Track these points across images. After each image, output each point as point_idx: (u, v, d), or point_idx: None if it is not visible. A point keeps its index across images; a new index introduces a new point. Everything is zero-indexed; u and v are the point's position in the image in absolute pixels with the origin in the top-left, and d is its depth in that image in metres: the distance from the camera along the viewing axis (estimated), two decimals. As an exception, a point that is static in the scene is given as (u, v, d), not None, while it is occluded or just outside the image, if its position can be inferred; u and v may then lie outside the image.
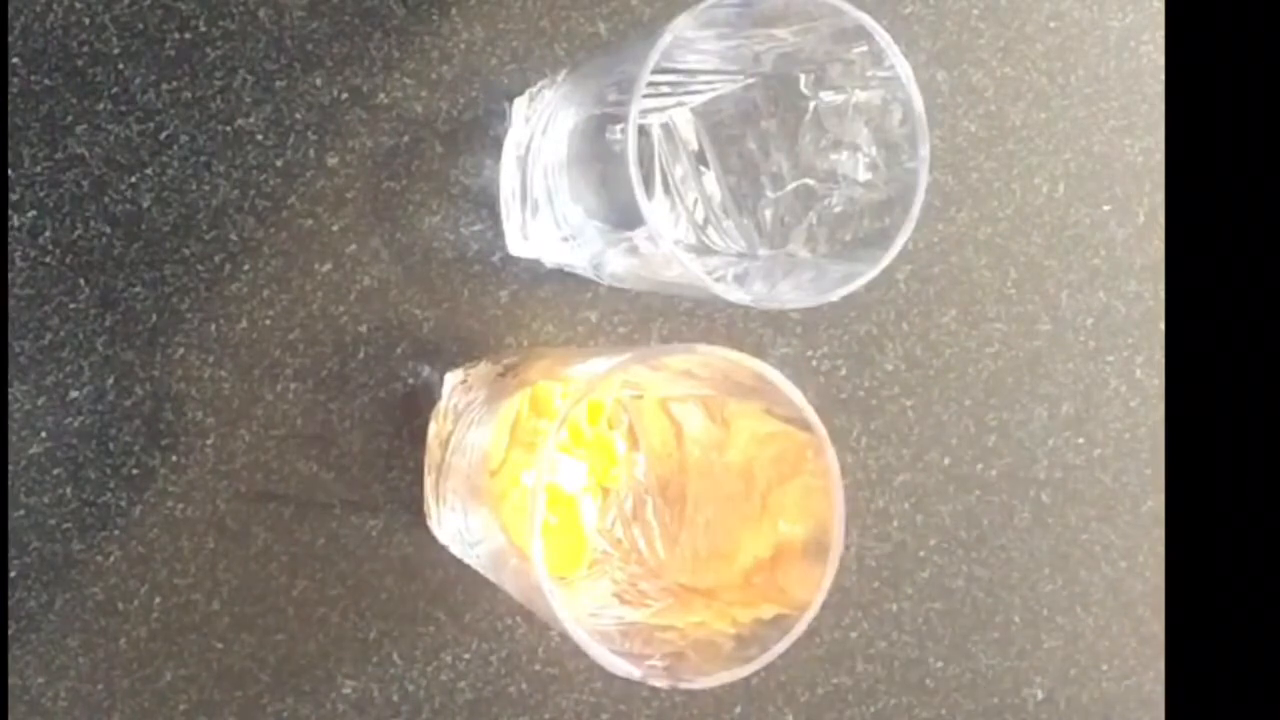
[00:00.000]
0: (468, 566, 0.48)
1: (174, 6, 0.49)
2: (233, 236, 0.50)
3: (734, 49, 0.46)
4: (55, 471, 0.49)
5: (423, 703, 0.51)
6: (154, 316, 0.49)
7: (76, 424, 0.49)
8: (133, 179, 0.49)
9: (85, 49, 0.49)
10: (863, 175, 0.45)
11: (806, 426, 0.40)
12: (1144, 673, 0.55)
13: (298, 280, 0.50)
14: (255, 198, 0.50)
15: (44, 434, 0.49)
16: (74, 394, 0.49)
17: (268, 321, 0.50)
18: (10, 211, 0.48)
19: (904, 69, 0.42)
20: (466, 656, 0.51)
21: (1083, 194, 0.55)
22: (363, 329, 0.50)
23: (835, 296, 0.43)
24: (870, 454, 0.54)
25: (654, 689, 0.51)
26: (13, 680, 0.48)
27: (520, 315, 0.51)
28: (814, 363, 0.53)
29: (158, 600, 0.49)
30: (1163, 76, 0.55)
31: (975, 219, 0.54)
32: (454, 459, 0.47)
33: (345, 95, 0.50)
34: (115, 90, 0.49)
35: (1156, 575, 0.55)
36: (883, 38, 0.42)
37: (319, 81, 0.50)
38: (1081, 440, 0.55)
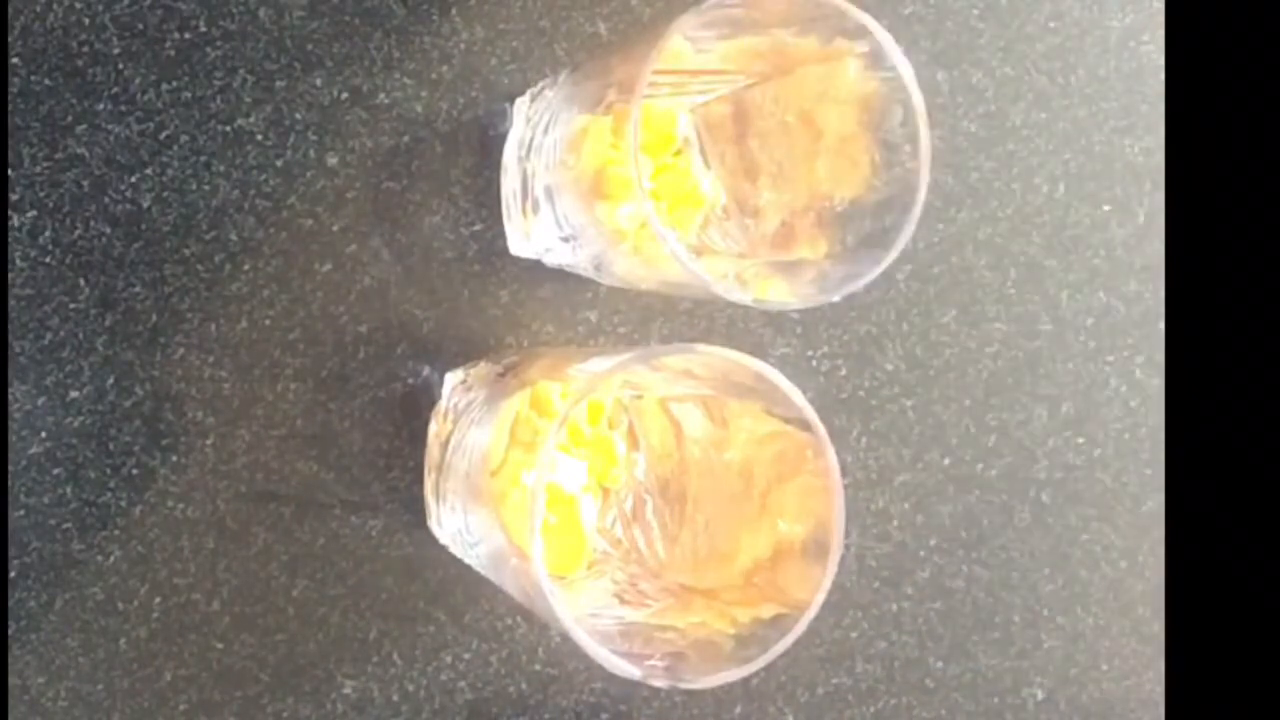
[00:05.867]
0: (468, 566, 0.48)
1: (174, 6, 0.49)
2: (233, 236, 0.50)
3: (734, 49, 0.46)
4: (55, 471, 0.49)
5: (423, 703, 0.51)
6: (154, 316, 0.49)
7: (76, 424, 0.49)
8: (133, 179, 0.49)
9: (85, 49, 0.49)
10: (863, 175, 0.44)
11: (806, 426, 0.40)
12: (1144, 673, 0.55)
13: (298, 280, 0.50)
14: (255, 198, 0.50)
15: (44, 434, 0.49)
16: (74, 394, 0.49)
17: (268, 321, 0.50)
18: (10, 211, 0.48)
19: (904, 69, 0.42)
20: (466, 656, 0.51)
21: (1083, 194, 0.55)
22: (363, 329, 0.50)
23: (835, 296, 0.43)
24: (870, 454, 0.54)
25: (654, 689, 0.51)
26: (13, 680, 0.48)
27: (520, 315, 0.51)
28: (814, 363, 0.53)
29: (158, 600, 0.49)
30: (1163, 76, 0.55)
31: (975, 219, 0.54)
32: (454, 459, 0.47)
33: (345, 95, 0.50)
34: (115, 90, 0.49)
35: (1156, 575, 0.55)
36: (883, 38, 0.42)
37: (319, 81, 0.50)
38: (1081, 440, 0.55)
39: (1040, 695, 0.55)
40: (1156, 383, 0.55)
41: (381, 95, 0.51)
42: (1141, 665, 0.55)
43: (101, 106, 0.49)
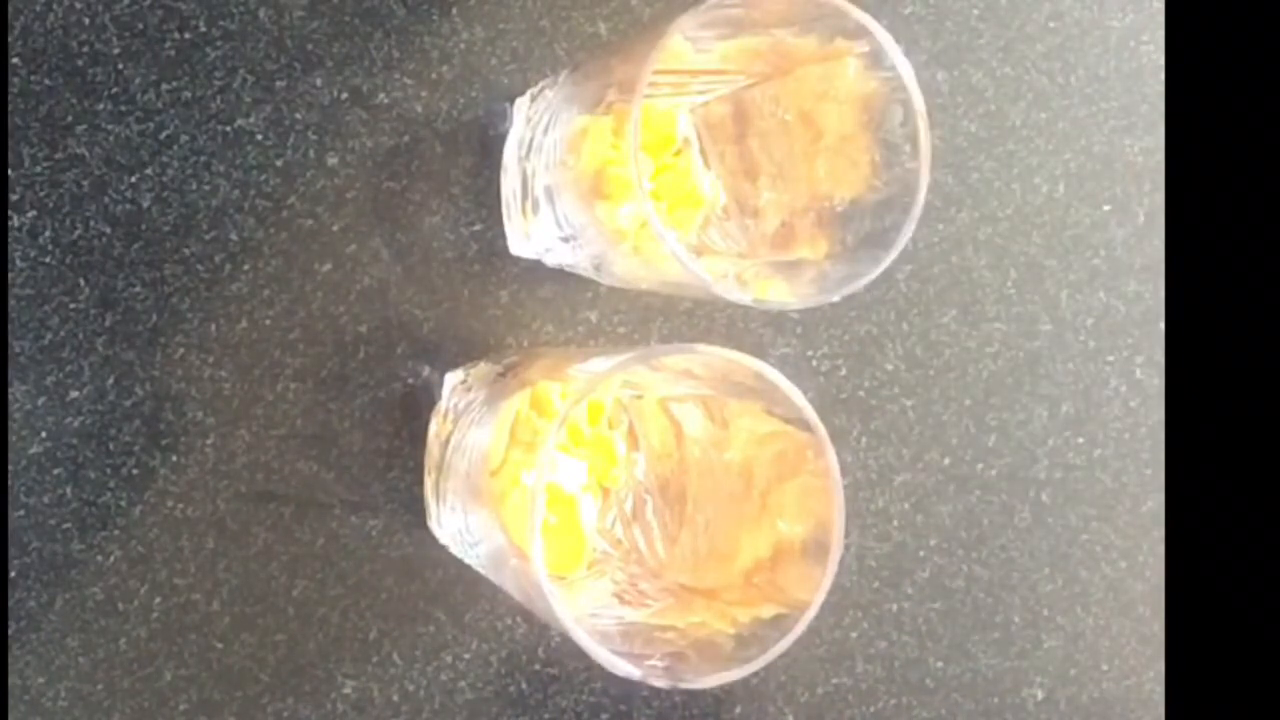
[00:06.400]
0: (468, 566, 0.48)
1: (174, 6, 0.49)
2: (233, 236, 0.50)
3: (734, 49, 0.46)
4: (55, 471, 0.49)
5: (423, 703, 0.51)
6: (154, 316, 0.49)
7: (76, 424, 0.49)
8: (133, 179, 0.49)
9: (85, 49, 0.49)
10: (863, 175, 0.45)
11: (806, 426, 0.40)
12: (1144, 673, 0.55)
13: (298, 280, 0.50)
14: (255, 198, 0.50)
15: (44, 434, 0.49)
16: (74, 394, 0.49)
17: (268, 321, 0.50)
18: (10, 211, 0.48)
19: (904, 69, 0.42)
20: (466, 656, 0.51)
21: (1083, 194, 0.55)
22: (363, 329, 0.51)
23: (836, 296, 0.43)
24: (870, 454, 0.54)
25: (654, 689, 0.51)
26: (13, 680, 0.48)
27: (520, 315, 0.51)
28: (814, 363, 0.53)
29: (158, 600, 0.49)
30: (1163, 76, 0.55)
31: (975, 219, 0.54)
32: (454, 459, 0.47)
33: (345, 95, 0.50)
34: (115, 90, 0.49)
35: (1156, 575, 0.55)
36: (883, 38, 0.42)
37: (319, 81, 0.50)
38: (1081, 440, 0.55)
39: (1040, 695, 0.55)
40: (1156, 383, 0.55)
41: (381, 95, 0.51)
42: (1141, 665, 0.55)
43: (101, 106, 0.49)
